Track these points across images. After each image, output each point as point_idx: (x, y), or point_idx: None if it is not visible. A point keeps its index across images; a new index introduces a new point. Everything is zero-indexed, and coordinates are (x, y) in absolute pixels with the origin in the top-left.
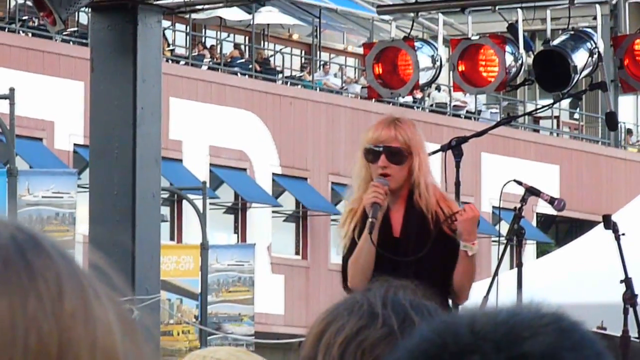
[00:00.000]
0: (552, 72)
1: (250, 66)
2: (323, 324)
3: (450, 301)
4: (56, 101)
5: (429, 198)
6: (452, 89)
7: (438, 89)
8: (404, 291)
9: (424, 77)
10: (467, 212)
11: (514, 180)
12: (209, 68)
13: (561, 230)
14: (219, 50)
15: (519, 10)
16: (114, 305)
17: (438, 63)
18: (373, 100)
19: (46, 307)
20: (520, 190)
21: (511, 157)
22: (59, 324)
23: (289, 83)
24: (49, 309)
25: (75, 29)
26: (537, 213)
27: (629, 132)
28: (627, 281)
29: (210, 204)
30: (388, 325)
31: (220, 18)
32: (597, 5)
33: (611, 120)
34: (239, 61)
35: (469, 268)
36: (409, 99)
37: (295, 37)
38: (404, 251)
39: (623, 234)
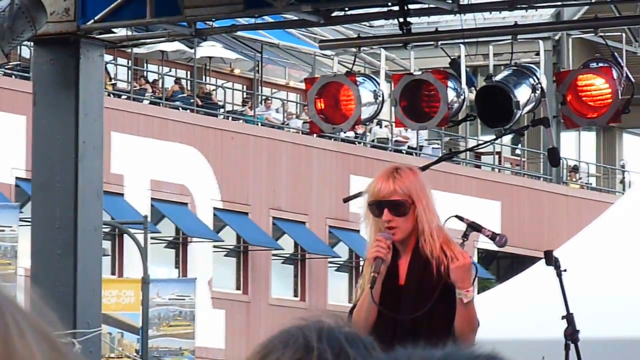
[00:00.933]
0: (494, 107)
1: (192, 100)
2: (258, 357)
3: None
4: None
5: (433, 244)
6: (394, 124)
7: (380, 124)
8: (339, 324)
9: (366, 112)
10: (459, 260)
11: (456, 216)
12: (151, 102)
13: (502, 266)
14: (160, 85)
15: (462, 46)
16: (43, 342)
17: (380, 98)
18: (315, 135)
19: None
20: (462, 226)
21: (453, 193)
22: None
23: (230, 118)
24: None
25: (18, 62)
26: (478, 249)
27: (574, 169)
28: (569, 317)
29: (151, 238)
30: (323, 358)
31: (162, 52)
32: (540, 41)
33: (553, 156)
34: (180, 95)
35: (467, 315)
36: (350, 134)
37: (237, 71)
38: (405, 299)
39: (565, 270)
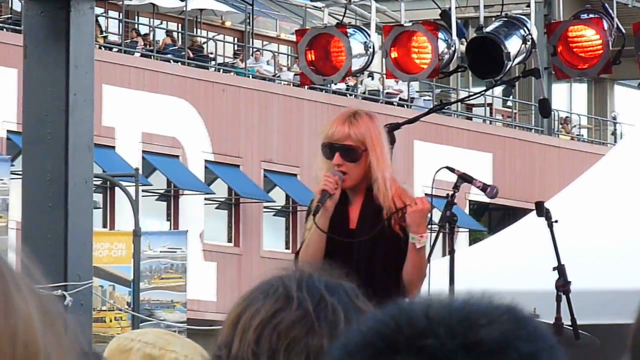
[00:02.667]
0: (485, 59)
1: (183, 53)
2: (239, 308)
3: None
4: None
5: (386, 193)
6: (384, 76)
7: (371, 76)
8: (319, 273)
9: (356, 64)
10: (417, 204)
11: (446, 167)
12: (142, 55)
13: (494, 217)
14: (151, 37)
15: None
16: (35, 297)
17: (371, 50)
18: (306, 87)
19: None
20: (453, 178)
21: (444, 145)
22: None
23: (221, 70)
24: None
25: (9, 15)
26: (469, 200)
27: (565, 121)
28: (560, 268)
29: (142, 191)
30: (303, 307)
31: (153, 5)
32: None
33: (544, 107)
34: (171, 48)
35: (417, 262)
36: (341, 86)
37: (228, 24)
38: (357, 244)
39: (556, 221)
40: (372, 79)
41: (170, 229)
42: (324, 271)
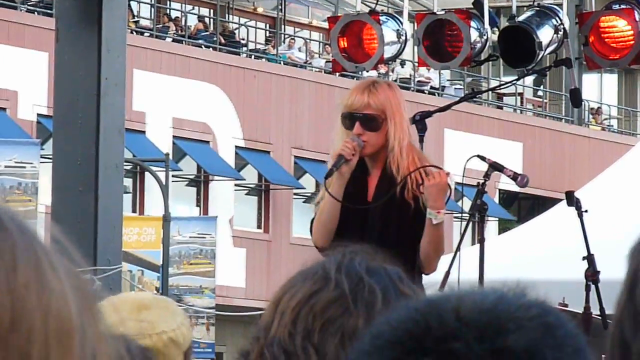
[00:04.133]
0: (517, 48)
1: (215, 39)
2: (281, 291)
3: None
4: (20, 71)
5: (401, 162)
6: (416, 64)
7: (402, 64)
8: (361, 256)
9: (388, 52)
10: (435, 178)
11: (477, 156)
12: (174, 40)
13: (523, 207)
14: (183, 23)
15: None
16: (71, 277)
17: (403, 38)
18: (337, 74)
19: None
20: (483, 167)
21: (474, 134)
22: (11, 295)
23: (253, 56)
24: (3, 280)
25: None
26: (499, 190)
27: (596, 111)
28: (590, 258)
29: (172, 176)
30: (340, 288)
31: None
32: None
33: (575, 97)
34: (203, 34)
35: (434, 237)
36: (372, 73)
37: (260, 10)
38: (372, 214)
39: (586, 211)
40: (403, 66)
41: (200, 214)
42: (369, 255)
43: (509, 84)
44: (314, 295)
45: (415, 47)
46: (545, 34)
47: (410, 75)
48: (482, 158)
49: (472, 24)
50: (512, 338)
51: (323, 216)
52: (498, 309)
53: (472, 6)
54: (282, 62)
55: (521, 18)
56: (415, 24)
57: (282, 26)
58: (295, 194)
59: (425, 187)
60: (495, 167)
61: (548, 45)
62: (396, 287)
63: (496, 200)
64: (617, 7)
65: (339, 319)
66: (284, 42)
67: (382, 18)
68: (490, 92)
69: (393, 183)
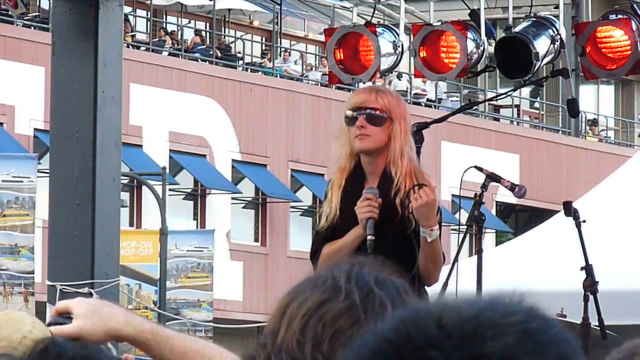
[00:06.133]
0: (513, 59)
1: (211, 52)
2: (287, 298)
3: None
4: (17, 86)
5: (401, 166)
6: (412, 76)
7: (399, 76)
8: (369, 267)
9: (385, 63)
10: (422, 197)
11: (475, 167)
12: (170, 54)
13: (520, 219)
14: (179, 36)
15: None
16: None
17: (399, 49)
18: (333, 87)
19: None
20: (480, 179)
21: (471, 146)
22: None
23: (249, 70)
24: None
25: (37, 13)
26: (496, 202)
27: (593, 122)
28: (588, 268)
29: (169, 189)
30: (350, 298)
31: (181, 4)
32: None
33: (572, 107)
34: (199, 47)
35: (431, 253)
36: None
37: (256, 23)
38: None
39: (584, 221)
40: (400, 79)
41: (197, 228)
42: (375, 266)
43: (506, 95)
44: (323, 304)
45: (412, 58)
46: (542, 45)
47: (407, 88)
48: (480, 169)
49: (469, 35)
50: (490, 344)
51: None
52: (480, 317)
53: (468, 17)
54: (278, 75)
55: (518, 29)
56: (412, 36)
57: (278, 39)
58: (292, 207)
59: (415, 209)
60: (492, 177)
61: (545, 56)
62: (403, 299)
63: (493, 212)
64: (613, 17)
65: (349, 330)
66: (280, 56)
67: (379, 29)
68: (486, 103)
69: (391, 185)
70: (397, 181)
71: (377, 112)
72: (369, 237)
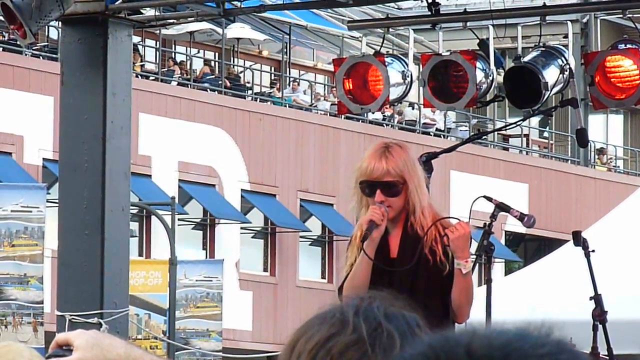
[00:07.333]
0: (522, 88)
1: (220, 82)
2: (297, 333)
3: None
4: (26, 116)
5: (424, 221)
6: (422, 105)
7: (412, 106)
8: (380, 301)
9: (394, 93)
10: (458, 230)
11: (484, 196)
12: (179, 84)
13: (530, 248)
14: (188, 66)
15: (490, 27)
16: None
17: (409, 79)
18: (342, 117)
19: None
20: (489, 208)
21: (480, 175)
22: None
23: (258, 99)
24: None
25: (46, 43)
26: (505, 231)
27: (600, 151)
28: (597, 298)
29: (178, 219)
30: (358, 332)
31: (190, 33)
32: (569, 22)
33: (582, 137)
34: (208, 77)
35: (465, 286)
36: (378, 115)
37: (265, 53)
38: (399, 272)
39: (593, 251)
40: (413, 108)
41: (206, 257)
42: (387, 300)
43: (515, 125)
44: (331, 338)
45: (421, 88)
46: (551, 74)
47: (416, 118)
48: (489, 199)
49: (478, 64)
50: None
51: (356, 281)
52: (510, 346)
53: (477, 47)
54: (287, 105)
55: (527, 58)
56: (421, 66)
57: (287, 69)
58: (301, 236)
59: (451, 240)
60: (501, 207)
61: (554, 86)
62: (414, 333)
63: (502, 242)
64: (622, 46)
65: None
66: (289, 85)
67: (388, 59)
68: (495, 133)
69: (418, 242)
70: (427, 236)
71: (392, 183)
72: (365, 232)
